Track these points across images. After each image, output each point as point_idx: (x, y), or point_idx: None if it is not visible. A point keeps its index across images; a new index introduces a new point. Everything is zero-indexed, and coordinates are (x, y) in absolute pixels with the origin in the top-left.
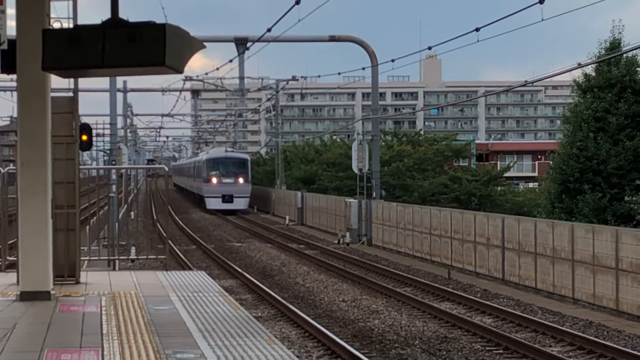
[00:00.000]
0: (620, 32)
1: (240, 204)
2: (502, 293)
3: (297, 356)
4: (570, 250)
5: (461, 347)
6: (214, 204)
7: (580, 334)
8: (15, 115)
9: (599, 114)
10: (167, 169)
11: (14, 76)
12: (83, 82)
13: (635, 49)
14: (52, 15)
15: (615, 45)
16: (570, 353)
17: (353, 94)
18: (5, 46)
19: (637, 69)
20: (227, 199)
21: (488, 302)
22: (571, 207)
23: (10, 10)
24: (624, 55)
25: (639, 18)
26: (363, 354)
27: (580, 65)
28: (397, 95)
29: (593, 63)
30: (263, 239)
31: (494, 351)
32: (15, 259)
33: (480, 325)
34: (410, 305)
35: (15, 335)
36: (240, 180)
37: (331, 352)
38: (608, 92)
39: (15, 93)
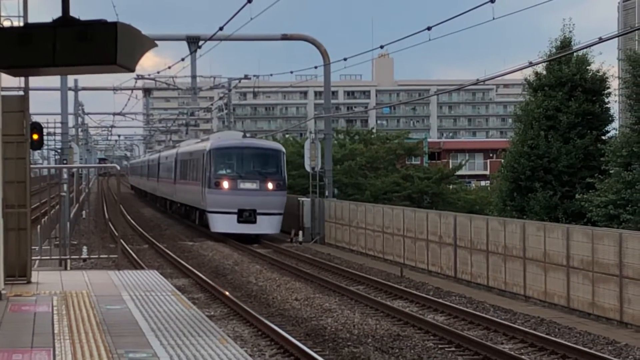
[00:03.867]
0: (570, 31)
1: (267, 225)
2: (454, 291)
3: (250, 355)
4: (521, 247)
5: (414, 345)
6: (223, 223)
7: (531, 331)
8: None
9: (550, 112)
10: (118, 167)
11: None
12: (34, 81)
13: (586, 47)
14: (2, 13)
15: (565, 44)
16: (522, 350)
17: (305, 93)
18: None
19: (588, 67)
20: (248, 216)
21: (440, 300)
22: (523, 205)
23: None
24: (575, 53)
25: (590, 16)
26: (316, 352)
27: (531, 64)
28: (350, 94)
29: (544, 62)
30: (215, 238)
31: (446, 349)
32: None
33: (433, 323)
34: (363, 304)
35: None
36: (270, 185)
37: (284, 351)
38: (559, 90)
39: None
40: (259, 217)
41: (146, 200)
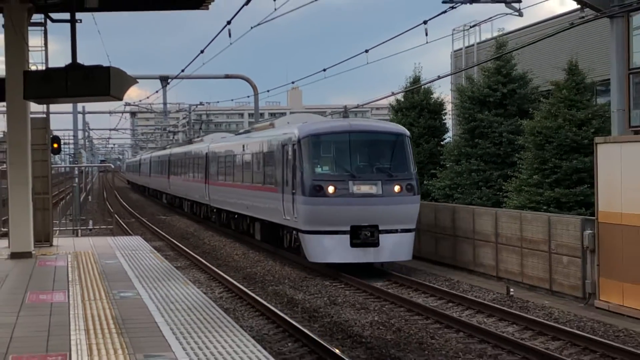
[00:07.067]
0: (420, 71)
1: (395, 248)
2: None
3: (204, 292)
4: None
5: (316, 284)
6: (329, 249)
7: (396, 273)
8: (5, 130)
9: (406, 126)
10: (112, 166)
11: (4, 103)
12: (53, 107)
13: (429, 82)
14: (30, 60)
15: (416, 80)
16: (388, 286)
17: (242, 114)
18: None
19: (431, 95)
20: (367, 236)
21: None
22: None
23: (0, 57)
24: (422, 86)
25: (433, 62)
26: (250, 290)
27: (393, 94)
28: (272, 115)
29: (402, 92)
30: (183, 214)
31: (337, 286)
32: (7, 230)
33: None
34: (282, 257)
35: (8, 282)
36: (396, 187)
37: (228, 289)
38: (412, 111)
39: (5, 115)
40: (382, 237)
41: (133, 189)
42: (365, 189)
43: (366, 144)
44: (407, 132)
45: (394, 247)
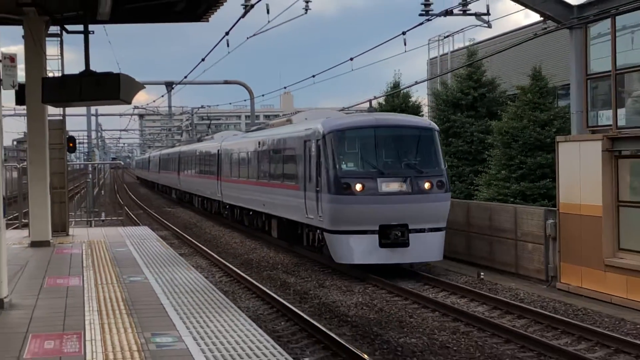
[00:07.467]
0: (399, 77)
1: (426, 247)
2: None
3: (205, 277)
4: None
5: (307, 269)
6: (357, 250)
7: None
8: (26, 131)
9: None
10: (122, 163)
11: (25, 106)
12: (68, 110)
13: (408, 87)
14: (48, 68)
15: (396, 85)
16: None
17: (239, 116)
18: (17, 87)
19: (409, 99)
20: (397, 236)
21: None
22: None
23: (20, 65)
24: (402, 91)
25: (411, 68)
26: (247, 274)
27: (375, 98)
28: (267, 117)
29: (383, 96)
30: (187, 207)
31: (326, 272)
32: (27, 221)
33: (318, 260)
34: (276, 244)
35: (28, 268)
36: (427, 184)
37: (227, 274)
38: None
39: (25, 118)
40: (412, 237)
41: (142, 185)
42: (394, 186)
43: (393, 139)
44: (436, 126)
45: (425, 247)
